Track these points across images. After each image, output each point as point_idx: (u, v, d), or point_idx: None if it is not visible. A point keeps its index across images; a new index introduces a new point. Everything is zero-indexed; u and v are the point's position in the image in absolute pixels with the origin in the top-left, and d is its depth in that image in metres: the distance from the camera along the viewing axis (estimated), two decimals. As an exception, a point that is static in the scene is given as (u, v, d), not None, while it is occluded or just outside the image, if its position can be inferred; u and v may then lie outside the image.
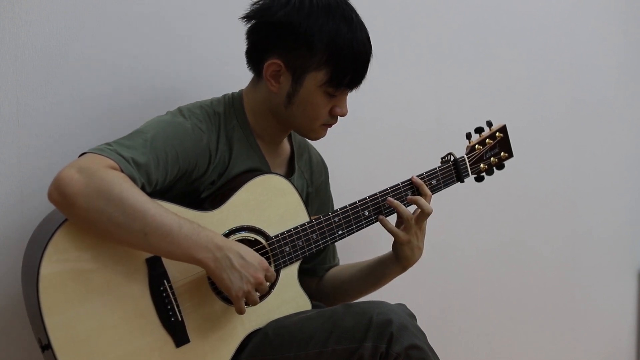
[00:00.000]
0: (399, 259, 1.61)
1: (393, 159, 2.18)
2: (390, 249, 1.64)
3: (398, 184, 1.60)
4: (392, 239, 1.60)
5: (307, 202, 1.67)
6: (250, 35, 1.50)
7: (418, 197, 1.58)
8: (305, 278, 1.70)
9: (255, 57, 1.50)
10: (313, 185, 1.70)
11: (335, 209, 1.58)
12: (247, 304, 1.38)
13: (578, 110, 2.81)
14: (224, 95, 1.56)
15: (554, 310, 2.78)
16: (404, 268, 1.63)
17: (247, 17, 1.49)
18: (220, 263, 1.32)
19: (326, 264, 1.73)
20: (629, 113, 3.10)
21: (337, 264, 1.77)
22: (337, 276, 1.72)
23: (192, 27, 1.73)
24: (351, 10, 1.48)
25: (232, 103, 1.53)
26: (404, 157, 2.20)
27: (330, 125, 1.54)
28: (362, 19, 1.49)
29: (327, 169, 1.76)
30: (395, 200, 1.57)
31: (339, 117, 1.53)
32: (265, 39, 1.47)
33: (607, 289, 3.06)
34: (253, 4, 1.49)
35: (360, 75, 1.49)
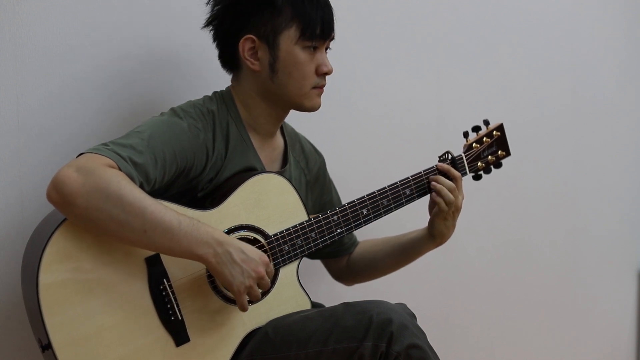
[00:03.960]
0: (435, 236, 1.66)
1: (393, 158, 2.18)
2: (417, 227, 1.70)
3: (396, 183, 1.60)
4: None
5: (307, 192, 1.68)
6: (217, 33, 1.54)
7: (434, 184, 1.62)
8: (331, 260, 1.78)
9: (227, 48, 1.53)
10: (310, 173, 1.71)
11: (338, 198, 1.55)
12: (249, 300, 1.38)
13: (579, 108, 2.82)
14: (214, 93, 1.56)
15: (554, 309, 2.79)
16: (438, 244, 1.69)
17: (208, 22, 1.54)
18: (221, 258, 1.32)
19: (347, 242, 1.77)
20: (630, 111, 3.11)
21: (356, 240, 1.81)
22: (368, 253, 1.77)
23: (192, 27, 1.73)
24: None
25: (223, 100, 1.54)
26: (404, 155, 2.20)
27: (321, 89, 1.54)
28: None
29: (322, 156, 1.77)
30: (438, 184, 1.61)
31: (327, 77, 1.53)
32: (230, 24, 1.50)
33: (607, 289, 3.06)
34: (208, 12, 1.54)
35: (329, 23, 1.50)
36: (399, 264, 1.75)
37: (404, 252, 1.73)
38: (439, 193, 1.61)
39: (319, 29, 1.48)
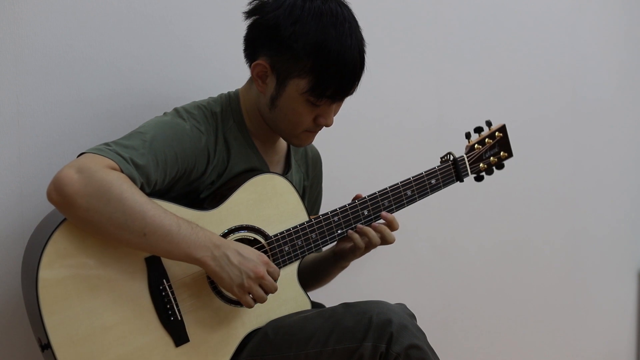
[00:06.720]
0: (341, 262, 1.61)
1: (393, 158, 2.19)
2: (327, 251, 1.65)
3: (397, 184, 1.60)
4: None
5: (303, 196, 1.67)
6: (247, 31, 1.50)
7: (368, 230, 1.55)
8: None
9: (248, 54, 1.50)
10: (309, 178, 1.71)
11: (320, 208, 1.53)
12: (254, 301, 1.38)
13: (578, 109, 2.82)
14: (221, 95, 1.56)
15: (554, 309, 2.79)
16: (342, 269, 1.65)
17: (247, 13, 1.49)
18: (219, 261, 1.32)
19: None
20: (630, 112, 3.11)
21: None
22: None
23: (192, 28, 1.73)
24: (346, 20, 1.43)
25: (229, 102, 1.53)
26: (404, 156, 2.20)
27: (314, 133, 1.53)
28: (360, 31, 1.46)
29: (321, 161, 1.76)
30: (365, 227, 1.54)
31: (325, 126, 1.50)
32: (256, 38, 1.47)
33: (607, 289, 3.06)
34: (254, 0, 1.48)
35: (344, 89, 1.45)
36: (317, 280, 1.69)
37: (314, 271, 1.67)
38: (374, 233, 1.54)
39: (331, 91, 1.43)
